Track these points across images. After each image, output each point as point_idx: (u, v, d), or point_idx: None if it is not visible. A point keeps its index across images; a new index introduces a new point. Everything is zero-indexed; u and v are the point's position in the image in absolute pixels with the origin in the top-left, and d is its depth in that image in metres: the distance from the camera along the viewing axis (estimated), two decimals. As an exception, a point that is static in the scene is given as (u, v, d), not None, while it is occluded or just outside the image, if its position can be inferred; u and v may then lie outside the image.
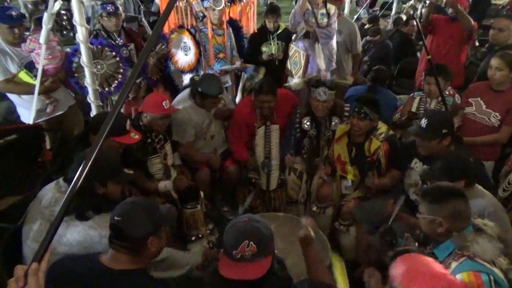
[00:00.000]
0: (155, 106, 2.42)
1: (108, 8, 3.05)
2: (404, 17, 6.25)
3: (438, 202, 1.56)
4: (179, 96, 2.93)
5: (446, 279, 1.23)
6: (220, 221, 3.12)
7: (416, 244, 1.77)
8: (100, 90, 2.79)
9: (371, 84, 3.39)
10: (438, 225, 1.54)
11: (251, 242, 1.29)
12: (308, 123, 2.76)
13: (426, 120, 2.20)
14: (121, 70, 2.95)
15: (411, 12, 4.43)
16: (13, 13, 2.80)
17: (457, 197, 1.56)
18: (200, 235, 2.70)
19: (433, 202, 1.57)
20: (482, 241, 1.45)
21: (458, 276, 1.40)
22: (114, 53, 2.91)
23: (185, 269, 1.90)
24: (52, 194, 1.70)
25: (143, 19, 5.32)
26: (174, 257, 1.86)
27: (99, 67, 2.81)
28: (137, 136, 2.16)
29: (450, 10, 3.72)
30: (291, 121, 2.88)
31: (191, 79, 2.80)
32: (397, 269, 1.29)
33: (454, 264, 1.46)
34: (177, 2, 3.53)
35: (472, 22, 3.50)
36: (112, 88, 2.94)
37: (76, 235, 1.62)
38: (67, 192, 1.12)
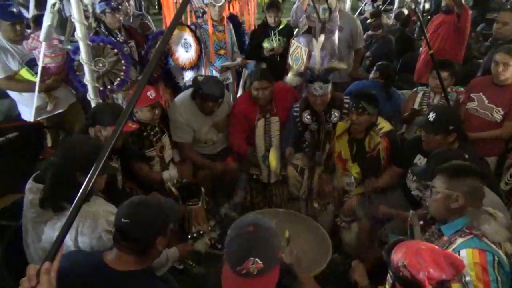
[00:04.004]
0: (140, 99, 2.38)
1: (112, 3, 3.04)
2: (406, 12, 6.21)
3: (457, 176, 1.57)
4: (181, 95, 2.92)
5: (445, 252, 1.28)
6: (222, 217, 3.12)
7: (421, 222, 1.76)
8: (101, 88, 2.78)
9: (386, 82, 3.31)
10: (454, 200, 1.54)
11: (256, 259, 1.15)
12: (308, 117, 2.75)
13: (434, 113, 2.18)
14: (123, 68, 2.94)
15: (413, 6, 4.40)
16: (14, 10, 2.79)
17: (476, 174, 1.57)
18: (201, 232, 2.69)
19: (452, 177, 1.58)
20: (494, 223, 1.45)
21: (462, 252, 1.41)
22: (116, 50, 2.90)
23: (167, 266, 1.87)
24: (26, 196, 1.68)
25: (146, 14, 5.32)
26: None
27: (100, 65, 2.80)
28: (134, 125, 2.17)
29: (443, 3, 3.75)
30: (290, 116, 2.86)
31: (194, 79, 2.78)
32: (398, 253, 1.31)
33: (459, 240, 1.47)
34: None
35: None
36: (114, 86, 2.94)
37: (51, 233, 1.61)
38: (80, 191, 1.11)
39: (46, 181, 1.64)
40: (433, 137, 2.19)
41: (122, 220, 1.37)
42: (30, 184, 1.71)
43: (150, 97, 2.40)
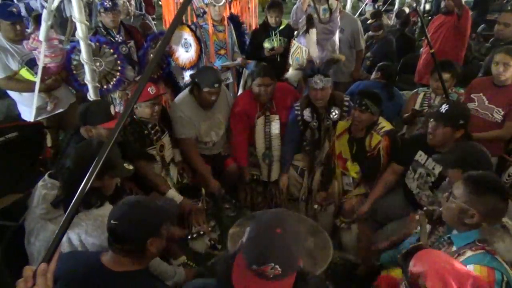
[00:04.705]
0: (141, 94, 2.39)
1: (106, 3, 3.04)
2: (407, 10, 6.20)
3: (479, 193, 1.45)
4: (181, 94, 2.92)
5: (471, 275, 1.22)
6: (222, 218, 3.12)
7: (427, 221, 1.70)
8: (99, 88, 2.78)
9: (387, 82, 3.29)
10: (470, 216, 1.45)
11: (276, 266, 1.06)
12: (309, 115, 2.75)
13: (446, 106, 2.21)
14: (119, 68, 2.93)
15: (414, 5, 4.40)
16: (14, 9, 2.80)
17: (500, 194, 1.45)
18: (201, 233, 2.69)
19: (474, 191, 1.46)
20: (508, 240, 1.39)
21: (470, 267, 1.36)
22: (112, 50, 2.90)
23: (170, 282, 1.86)
24: (38, 192, 1.67)
25: (147, 14, 5.33)
26: (160, 268, 1.83)
27: (97, 64, 2.80)
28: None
29: (442, 4, 3.74)
30: (291, 116, 2.86)
31: (191, 75, 2.79)
32: (418, 267, 1.25)
33: (469, 253, 1.41)
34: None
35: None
36: (110, 86, 2.93)
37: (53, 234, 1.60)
38: (78, 191, 1.11)
39: (60, 184, 1.65)
40: (442, 128, 2.18)
41: (112, 221, 1.36)
42: (44, 180, 1.71)
43: (151, 92, 2.40)
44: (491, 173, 1.55)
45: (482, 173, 1.54)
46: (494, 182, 1.49)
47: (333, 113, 2.71)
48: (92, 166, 1.13)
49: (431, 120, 2.27)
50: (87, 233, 1.59)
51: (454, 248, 1.50)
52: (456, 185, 1.53)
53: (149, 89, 2.39)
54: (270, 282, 1.08)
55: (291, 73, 3.03)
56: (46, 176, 1.73)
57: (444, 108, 2.21)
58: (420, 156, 2.40)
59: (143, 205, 1.42)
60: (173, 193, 2.51)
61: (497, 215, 1.46)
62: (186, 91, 2.86)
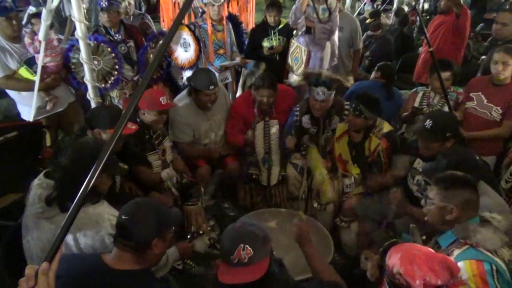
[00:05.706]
0: (153, 103, 2.39)
1: (102, 3, 3.04)
2: (406, 8, 6.21)
3: (451, 188, 1.56)
4: (179, 95, 2.93)
5: (439, 256, 1.29)
6: (221, 217, 3.12)
7: (424, 237, 1.75)
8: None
9: (387, 82, 3.28)
10: (449, 212, 1.55)
11: (246, 245, 1.31)
12: (308, 121, 2.74)
13: (431, 121, 2.15)
14: (117, 67, 2.93)
15: (413, 3, 4.41)
16: (7, 5, 2.77)
17: (470, 186, 1.58)
18: (201, 232, 2.69)
19: (446, 189, 1.57)
20: (485, 231, 1.45)
21: (460, 264, 1.40)
22: (109, 49, 2.89)
23: (167, 268, 1.87)
24: (34, 191, 1.67)
25: (146, 14, 5.32)
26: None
27: (95, 62, 2.79)
28: (134, 127, 2.17)
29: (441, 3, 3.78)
30: (290, 119, 2.85)
31: (188, 78, 2.80)
32: (393, 258, 1.31)
33: (456, 252, 1.47)
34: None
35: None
36: (108, 85, 2.93)
37: (48, 234, 1.61)
38: (80, 192, 1.11)
39: (55, 182, 1.65)
40: (430, 144, 2.18)
41: (122, 217, 1.41)
42: (40, 179, 1.71)
43: (162, 102, 2.40)
44: (456, 172, 1.66)
45: (449, 172, 1.67)
46: (461, 177, 1.61)
47: (333, 122, 2.70)
48: (95, 165, 1.13)
49: (418, 137, 2.26)
50: (81, 232, 1.60)
51: (442, 250, 1.55)
52: (429, 189, 1.66)
53: (161, 98, 2.40)
54: (248, 267, 1.30)
55: (295, 79, 3.02)
56: (41, 175, 1.73)
57: (428, 124, 2.15)
58: (418, 164, 2.38)
59: (154, 206, 1.49)
60: (165, 170, 2.51)
61: (472, 206, 1.56)
62: (184, 93, 2.86)
